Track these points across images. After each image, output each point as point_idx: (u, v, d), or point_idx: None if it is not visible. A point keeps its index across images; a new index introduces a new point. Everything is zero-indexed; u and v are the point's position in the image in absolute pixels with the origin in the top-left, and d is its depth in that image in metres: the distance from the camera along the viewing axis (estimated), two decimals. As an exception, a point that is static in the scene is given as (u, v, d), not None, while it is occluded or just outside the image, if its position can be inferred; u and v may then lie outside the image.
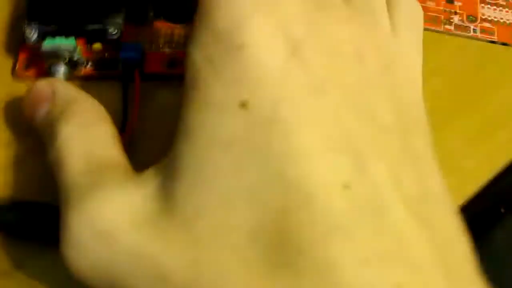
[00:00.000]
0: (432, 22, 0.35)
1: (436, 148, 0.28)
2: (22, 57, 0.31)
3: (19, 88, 0.30)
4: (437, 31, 0.35)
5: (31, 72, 0.31)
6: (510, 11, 0.36)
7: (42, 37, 0.29)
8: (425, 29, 0.33)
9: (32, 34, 0.30)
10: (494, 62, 0.34)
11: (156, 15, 0.32)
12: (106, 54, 0.31)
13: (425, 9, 0.35)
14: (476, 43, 0.35)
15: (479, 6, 0.36)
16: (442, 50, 0.34)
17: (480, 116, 0.32)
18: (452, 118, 0.31)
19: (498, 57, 0.34)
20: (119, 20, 0.30)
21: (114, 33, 0.29)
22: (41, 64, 0.30)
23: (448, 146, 0.30)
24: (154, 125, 0.29)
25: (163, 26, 0.32)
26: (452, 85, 0.33)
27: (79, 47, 0.29)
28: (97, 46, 0.30)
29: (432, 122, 0.29)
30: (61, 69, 0.29)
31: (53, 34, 0.30)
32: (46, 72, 0.30)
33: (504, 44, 0.35)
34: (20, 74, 0.31)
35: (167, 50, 0.31)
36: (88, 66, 0.30)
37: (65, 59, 0.29)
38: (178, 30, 0.32)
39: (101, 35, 0.30)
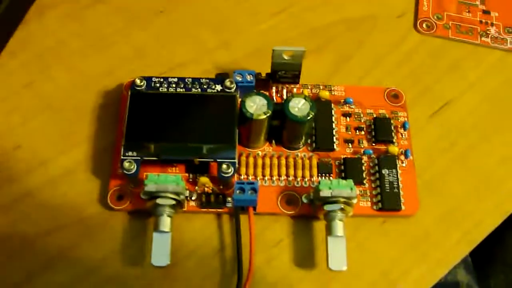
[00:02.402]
0: (468, 34, 0.36)
1: (474, 166, 0.32)
2: (113, 185, 0.30)
3: (111, 220, 0.30)
4: (474, 44, 0.36)
5: (126, 206, 0.30)
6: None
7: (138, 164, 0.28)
8: (461, 42, 0.34)
9: (132, 166, 0.28)
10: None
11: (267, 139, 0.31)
12: (213, 189, 0.30)
13: (461, 20, 0.36)
14: (513, 56, 0.36)
15: (516, 16, 0.37)
16: (480, 64, 0.36)
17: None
18: (490, 135, 0.33)
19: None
20: (233, 154, 0.29)
21: (227, 172, 0.28)
22: (136, 195, 0.29)
23: (487, 164, 0.32)
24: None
25: (274, 151, 0.31)
26: (490, 100, 0.35)
27: (184, 183, 0.28)
28: (204, 180, 0.29)
29: (470, 140, 0.33)
30: (166, 212, 0.28)
31: (152, 163, 0.29)
32: (146, 210, 0.29)
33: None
34: (113, 206, 0.30)
35: (282, 183, 0.30)
36: (192, 199, 0.29)
37: (172, 201, 0.28)
38: (290, 158, 0.31)
39: (207, 168, 0.29)
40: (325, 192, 0.28)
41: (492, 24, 0.36)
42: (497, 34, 0.36)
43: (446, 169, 0.32)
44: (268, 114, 0.28)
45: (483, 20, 0.36)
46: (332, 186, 0.28)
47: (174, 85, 0.30)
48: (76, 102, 0.33)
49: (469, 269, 0.44)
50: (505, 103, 0.35)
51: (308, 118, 0.28)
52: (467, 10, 0.37)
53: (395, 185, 0.30)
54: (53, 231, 0.29)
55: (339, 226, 0.28)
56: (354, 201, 0.28)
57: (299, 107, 0.29)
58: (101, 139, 0.32)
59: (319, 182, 0.28)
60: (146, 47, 0.35)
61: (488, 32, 0.36)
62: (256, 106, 0.29)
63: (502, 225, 0.32)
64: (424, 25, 0.36)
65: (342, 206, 0.28)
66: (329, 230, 0.28)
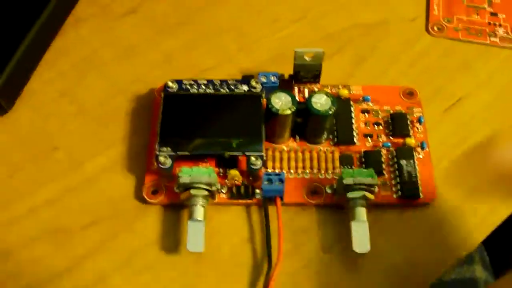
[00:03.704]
0: (477, 35, 0.38)
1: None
2: (148, 181, 0.32)
3: (147, 213, 0.32)
4: (483, 44, 0.38)
5: (160, 199, 0.32)
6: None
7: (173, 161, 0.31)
8: (471, 42, 0.37)
9: (167, 161, 0.30)
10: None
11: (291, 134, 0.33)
12: (242, 181, 0.32)
13: (470, 22, 0.38)
14: (521, 54, 0.38)
15: (522, 17, 0.39)
16: (489, 62, 0.38)
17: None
18: (502, 126, 0.35)
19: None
20: (260, 147, 0.31)
21: (256, 164, 0.30)
22: (170, 189, 0.31)
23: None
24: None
25: (298, 146, 0.33)
26: (500, 96, 0.37)
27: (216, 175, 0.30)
28: (234, 173, 0.31)
29: (482, 132, 0.35)
30: (199, 202, 0.30)
31: (185, 158, 0.31)
32: (181, 203, 0.31)
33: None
34: (149, 199, 0.32)
35: (307, 175, 0.32)
36: (223, 192, 0.31)
37: (205, 192, 0.30)
38: (314, 152, 0.33)
39: (236, 162, 0.31)
40: (348, 180, 0.30)
41: (500, 25, 0.38)
42: (505, 34, 0.38)
43: (460, 160, 0.34)
44: (293, 110, 0.30)
45: (491, 22, 0.38)
46: (354, 175, 0.30)
47: (203, 87, 0.33)
48: (109, 107, 0.35)
49: (486, 266, 0.45)
50: (514, 99, 0.36)
51: (330, 112, 0.31)
52: (475, 13, 0.39)
53: (413, 175, 0.32)
54: (94, 223, 0.31)
55: (361, 212, 0.30)
56: (375, 188, 0.30)
57: (321, 102, 0.31)
58: (134, 140, 0.34)
59: (342, 171, 0.30)
60: (173, 55, 0.37)
61: (496, 32, 0.38)
62: (282, 102, 0.31)
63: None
64: (435, 28, 0.38)
65: (364, 193, 0.30)
66: (352, 216, 0.30)
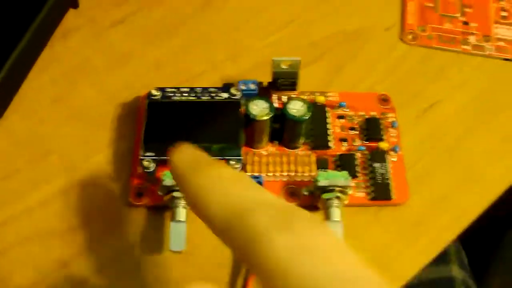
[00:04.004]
0: (450, 43, 0.40)
1: (460, 157, 0.36)
2: (134, 184, 0.33)
3: (132, 214, 0.33)
4: (456, 51, 0.40)
5: (145, 202, 0.33)
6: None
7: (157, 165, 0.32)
8: (444, 50, 0.38)
9: (150, 165, 0.32)
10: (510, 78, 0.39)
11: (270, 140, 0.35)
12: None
13: (443, 30, 0.40)
14: (492, 61, 0.40)
15: (493, 26, 0.41)
16: (462, 69, 0.40)
17: (500, 128, 0.38)
18: (473, 132, 0.37)
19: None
20: (239, 152, 0.33)
21: (235, 167, 0.32)
22: (154, 192, 0.33)
23: (471, 156, 0.36)
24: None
25: (277, 150, 0.35)
26: (472, 101, 0.38)
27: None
28: (214, 176, 0.33)
29: (455, 136, 0.37)
30: (181, 204, 0.31)
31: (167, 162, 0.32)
32: (164, 205, 0.32)
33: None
34: (134, 202, 0.33)
35: (285, 178, 0.34)
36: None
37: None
38: (291, 156, 0.35)
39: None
40: (322, 182, 0.31)
41: (472, 34, 0.40)
42: (477, 42, 0.40)
43: (433, 163, 0.35)
44: (270, 116, 0.32)
45: (463, 31, 0.40)
46: (329, 176, 0.31)
47: (186, 94, 0.34)
48: (99, 113, 0.37)
49: (463, 266, 0.47)
50: (486, 103, 0.38)
51: (305, 117, 0.32)
52: (448, 22, 0.40)
53: (386, 177, 0.33)
54: (82, 225, 0.33)
55: (336, 212, 0.31)
56: (349, 190, 0.31)
57: (297, 108, 0.32)
58: (121, 145, 0.36)
59: (317, 174, 0.31)
60: (161, 63, 0.39)
61: (468, 40, 0.40)
62: (259, 108, 0.32)
63: (500, 225, 0.35)
64: (409, 37, 0.40)
65: (338, 195, 0.31)
66: (327, 216, 0.31)
